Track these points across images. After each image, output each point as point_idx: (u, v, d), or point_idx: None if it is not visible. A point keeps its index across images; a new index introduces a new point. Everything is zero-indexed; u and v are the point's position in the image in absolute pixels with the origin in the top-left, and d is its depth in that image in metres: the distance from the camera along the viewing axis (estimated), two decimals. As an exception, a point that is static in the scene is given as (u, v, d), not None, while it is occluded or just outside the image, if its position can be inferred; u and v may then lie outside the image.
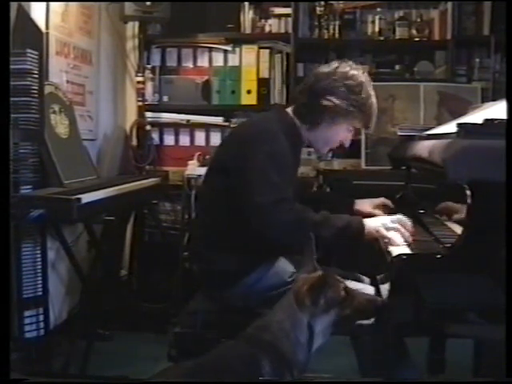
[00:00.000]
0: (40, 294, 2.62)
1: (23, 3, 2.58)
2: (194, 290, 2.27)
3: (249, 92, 3.85)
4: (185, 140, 3.96)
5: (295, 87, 2.14)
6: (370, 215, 2.12)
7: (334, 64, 2.13)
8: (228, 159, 2.06)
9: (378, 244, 1.88)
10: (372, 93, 2.12)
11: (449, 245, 1.51)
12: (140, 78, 3.72)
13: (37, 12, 2.84)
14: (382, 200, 2.33)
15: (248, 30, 3.90)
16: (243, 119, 3.37)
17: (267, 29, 3.93)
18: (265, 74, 3.85)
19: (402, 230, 1.84)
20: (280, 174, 1.96)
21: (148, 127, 3.76)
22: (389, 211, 2.24)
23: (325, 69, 2.13)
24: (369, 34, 3.91)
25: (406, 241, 1.80)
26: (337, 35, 3.89)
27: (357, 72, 2.11)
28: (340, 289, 1.64)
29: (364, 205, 2.30)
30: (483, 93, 3.67)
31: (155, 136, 3.88)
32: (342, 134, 2.14)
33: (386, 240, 1.83)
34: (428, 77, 3.84)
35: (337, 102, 2.06)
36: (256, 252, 2.01)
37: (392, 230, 1.85)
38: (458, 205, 1.74)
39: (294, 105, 2.18)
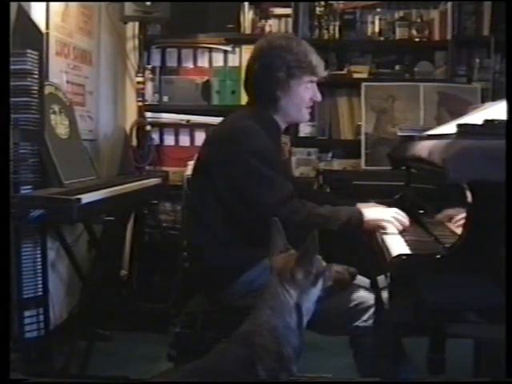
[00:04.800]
0: (40, 294, 2.62)
1: (23, 3, 2.59)
2: (194, 290, 2.27)
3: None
4: (185, 140, 3.96)
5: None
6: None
7: (255, 46, 2.20)
8: (214, 162, 2.07)
9: (376, 242, 1.89)
10: (298, 43, 2.18)
11: (449, 245, 1.51)
12: (140, 79, 3.72)
13: (37, 12, 2.84)
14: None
15: (248, 31, 3.91)
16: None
17: (267, 29, 3.93)
18: (265, 74, 3.85)
19: (398, 221, 1.95)
20: (273, 170, 2.02)
21: (148, 127, 3.76)
22: None
23: (252, 54, 2.20)
24: (369, 34, 3.92)
25: (401, 229, 1.93)
26: (337, 35, 3.89)
27: (276, 38, 2.21)
28: (320, 259, 1.66)
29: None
30: (483, 93, 3.67)
31: (155, 136, 3.88)
32: (304, 94, 2.17)
33: (383, 228, 1.94)
34: (428, 77, 3.85)
35: (277, 73, 2.11)
36: (253, 249, 2.03)
37: (389, 221, 1.96)
38: (460, 210, 1.74)
39: (253, 99, 2.21)
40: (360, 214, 2.01)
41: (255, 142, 2.04)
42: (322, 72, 2.22)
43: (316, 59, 2.19)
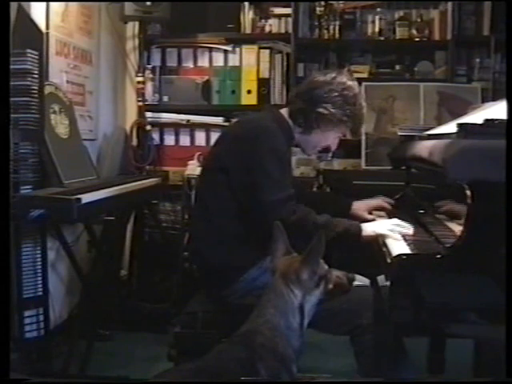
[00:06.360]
0: (40, 293, 2.62)
1: (23, 3, 2.58)
2: (194, 289, 2.27)
3: (249, 92, 3.85)
4: (185, 140, 3.96)
5: (292, 90, 2.23)
6: (366, 220, 2.16)
7: (332, 73, 2.20)
8: (229, 158, 2.09)
9: (377, 244, 1.89)
10: (364, 104, 2.21)
11: (449, 245, 1.51)
12: (140, 78, 3.72)
13: (37, 12, 2.84)
14: (378, 203, 2.34)
15: (248, 30, 3.90)
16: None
17: (267, 29, 3.93)
18: (265, 74, 3.86)
19: (398, 231, 1.90)
20: (282, 171, 2.06)
21: (148, 127, 3.76)
22: (387, 212, 2.27)
23: (322, 77, 2.20)
24: (369, 34, 3.91)
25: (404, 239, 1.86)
26: (337, 35, 3.88)
27: (352, 83, 2.20)
28: (323, 262, 1.67)
29: (360, 209, 2.32)
30: (483, 93, 3.67)
31: (155, 136, 3.88)
32: (331, 139, 2.24)
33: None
34: (428, 77, 3.84)
35: (333, 110, 2.14)
36: (255, 248, 2.04)
37: (387, 235, 1.90)
38: (461, 206, 1.74)
39: (289, 107, 2.24)
40: (358, 227, 2.00)
41: (273, 143, 2.07)
42: (359, 134, 2.27)
43: (362, 121, 2.25)
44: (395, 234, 1.89)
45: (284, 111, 2.25)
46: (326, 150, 2.29)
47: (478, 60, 3.84)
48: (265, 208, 1.98)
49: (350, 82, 2.18)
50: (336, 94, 2.14)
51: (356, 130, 2.25)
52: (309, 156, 2.39)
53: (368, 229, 1.99)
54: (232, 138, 2.16)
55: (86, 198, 2.40)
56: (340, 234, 1.97)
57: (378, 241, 1.90)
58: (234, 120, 3.77)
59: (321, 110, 2.14)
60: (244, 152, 2.05)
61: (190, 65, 3.97)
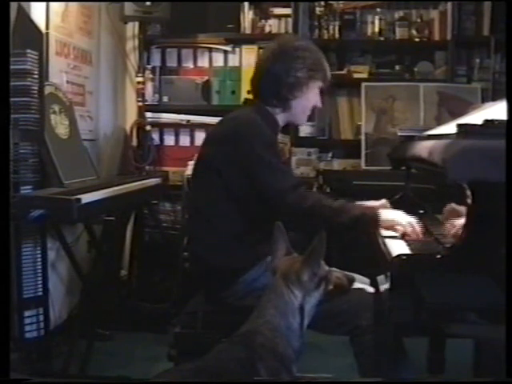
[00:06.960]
0: (40, 294, 2.63)
1: (23, 3, 2.59)
2: (194, 290, 2.27)
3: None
4: (185, 140, 3.96)
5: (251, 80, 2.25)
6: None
7: (274, 44, 2.21)
8: (222, 159, 2.07)
9: (377, 244, 1.89)
10: (315, 47, 2.23)
11: (449, 245, 1.51)
12: (140, 79, 3.72)
13: (37, 12, 2.84)
14: (383, 203, 2.32)
15: (248, 31, 3.91)
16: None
17: (267, 29, 3.93)
18: (265, 74, 3.85)
19: (413, 230, 1.88)
20: (279, 159, 2.07)
21: (148, 127, 3.76)
22: None
23: (269, 52, 2.19)
24: (369, 34, 3.92)
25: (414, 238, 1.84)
26: (337, 35, 3.89)
27: (296, 39, 2.24)
28: (323, 263, 1.67)
29: None
30: (483, 93, 3.68)
31: (155, 136, 3.88)
32: (312, 99, 2.21)
33: (400, 228, 1.88)
34: (428, 77, 3.85)
35: (298, 74, 2.13)
36: (255, 249, 2.04)
37: (404, 226, 1.89)
38: (463, 207, 1.74)
39: (260, 96, 2.22)
40: (376, 211, 1.97)
41: (263, 135, 2.06)
42: (329, 78, 2.25)
43: (327, 65, 2.23)
44: (414, 227, 1.86)
45: (258, 102, 2.22)
46: (315, 110, 2.26)
47: (477, 60, 3.85)
48: (273, 199, 1.96)
49: (293, 40, 2.21)
50: (291, 57, 2.13)
51: (325, 76, 2.20)
52: (302, 125, 2.34)
53: (386, 214, 1.95)
54: (220, 138, 2.13)
55: (86, 198, 2.40)
56: (357, 217, 1.93)
57: (377, 236, 1.90)
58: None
59: (288, 80, 2.12)
60: (236, 150, 2.03)
61: (190, 65, 3.98)
